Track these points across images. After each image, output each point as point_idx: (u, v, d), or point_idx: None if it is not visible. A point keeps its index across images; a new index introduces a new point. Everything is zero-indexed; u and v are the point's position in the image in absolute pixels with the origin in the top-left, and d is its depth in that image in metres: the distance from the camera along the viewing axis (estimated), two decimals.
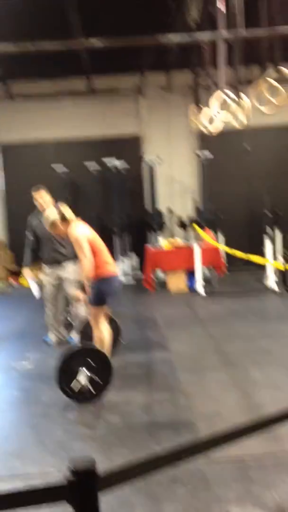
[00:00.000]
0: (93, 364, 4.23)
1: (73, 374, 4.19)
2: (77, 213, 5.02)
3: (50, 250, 6.04)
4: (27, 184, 11.94)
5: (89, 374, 4.19)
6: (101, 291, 4.78)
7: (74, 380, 4.16)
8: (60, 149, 11.90)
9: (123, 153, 11.56)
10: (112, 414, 4.08)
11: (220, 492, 2.88)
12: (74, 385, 4.16)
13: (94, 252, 4.66)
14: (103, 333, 4.83)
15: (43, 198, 6.20)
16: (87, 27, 8.04)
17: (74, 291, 5.36)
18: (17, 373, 5.30)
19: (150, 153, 11.74)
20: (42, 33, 7.65)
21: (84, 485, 1.36)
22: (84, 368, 4.20)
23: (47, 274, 6.12)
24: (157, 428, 3.78)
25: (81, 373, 4.18)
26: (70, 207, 4.99)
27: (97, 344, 4.75)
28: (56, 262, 6.03)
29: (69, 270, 5.98)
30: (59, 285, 6.07)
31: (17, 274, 11.87)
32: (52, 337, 6.29)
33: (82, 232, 4.69)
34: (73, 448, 3.53)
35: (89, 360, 4.24)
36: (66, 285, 5.98)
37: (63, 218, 4.73)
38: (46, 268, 6.15)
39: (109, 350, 4.81)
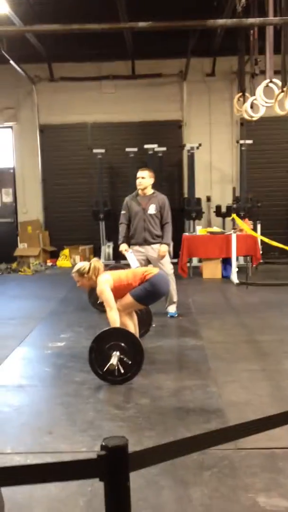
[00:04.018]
0: (125, 347, 4.27)
1: (106, 356, 4.24)
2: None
3: (142, 229, 6.27)
4: (65, 165, 12.16)
5: (121, 357, 4.24)
6: (154, 288, 4.72)
7: (107, 362, 4.21)
8: (99, 132, 11.91)
9: (164, 138, 11.51)
10: (143, 397, 4.11)
11: (247, 480, 2.88)
12: (106, 366, 4.21)
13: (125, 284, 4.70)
14: (127, 322, 4.81)
15: (144, 179, 6.29)
16: (133, 11, 8.00)
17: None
18: (52, 352, 5.40)
19: (191, 139, 11.64)
20: (87, 15, 7.65)
21: (115, 461, 1.38)
22: (116, 350, 4.25)
23: (133, 251, 6.29)
24: (186, 414, 3.80)
25: (114, 355, 4.23)
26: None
27: None
28: (145, 241, 6.27)
29: (155, 249, 6.27)
30: (145, 261, 6.32)
31: (54, 254, 12.03)
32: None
33: (106, 282, 4.62)
34: (103, 427, 3.58)
35: (122, 343, 4.28)
36: (152, 262, 6.28)
37: (88, 272, 4.65)
38: (133, 246, 6.35)
39: None
